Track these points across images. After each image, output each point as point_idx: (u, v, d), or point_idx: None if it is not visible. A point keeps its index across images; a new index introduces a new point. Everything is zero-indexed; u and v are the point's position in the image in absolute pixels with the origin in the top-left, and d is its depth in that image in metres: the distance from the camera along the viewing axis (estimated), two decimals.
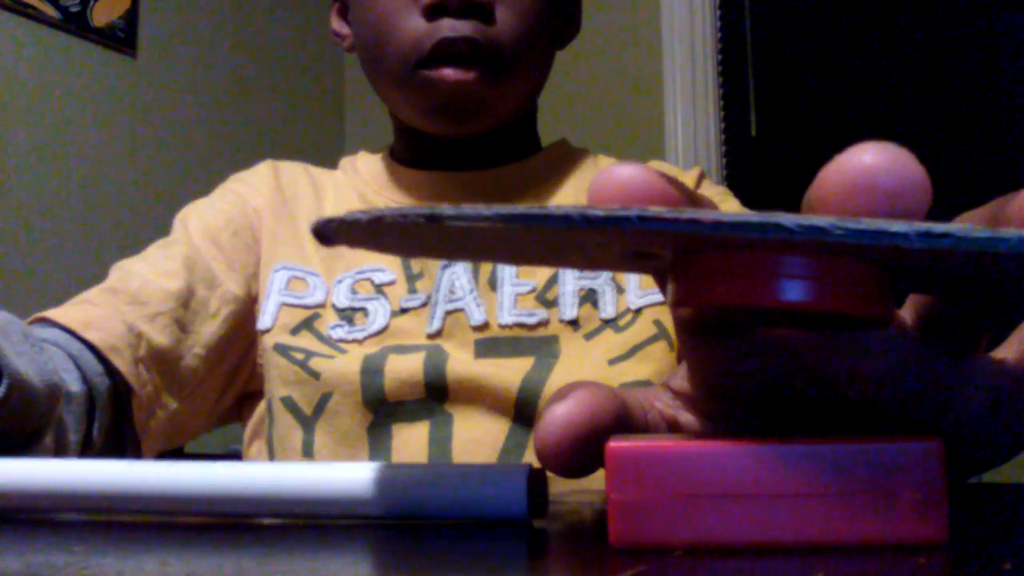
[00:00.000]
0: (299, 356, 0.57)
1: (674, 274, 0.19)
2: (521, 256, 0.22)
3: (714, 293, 0.18)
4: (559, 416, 0.24)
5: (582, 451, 0.23)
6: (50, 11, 1.88)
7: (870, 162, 0.17)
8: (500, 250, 0.21)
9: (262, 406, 0.60)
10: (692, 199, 0.19)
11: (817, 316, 0.19)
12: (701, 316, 0.21)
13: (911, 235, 0.16)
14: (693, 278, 0.19)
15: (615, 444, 0.18)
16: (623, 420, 0.25)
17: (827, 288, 0.18)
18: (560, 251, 0.21)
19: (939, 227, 0.16)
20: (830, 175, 0.18)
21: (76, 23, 1.93)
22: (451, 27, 0.57)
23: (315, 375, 0.56)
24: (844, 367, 0.23)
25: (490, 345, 0.58)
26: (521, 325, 0.58)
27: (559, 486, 0.31)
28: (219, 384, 0.61)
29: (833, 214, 0.17)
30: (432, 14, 0.58)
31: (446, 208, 0.17)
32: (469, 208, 0.17)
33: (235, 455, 1.42)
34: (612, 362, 0.57)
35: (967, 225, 0.16)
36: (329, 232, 0.20)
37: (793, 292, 0.18)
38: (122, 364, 0.54)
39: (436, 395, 0.55)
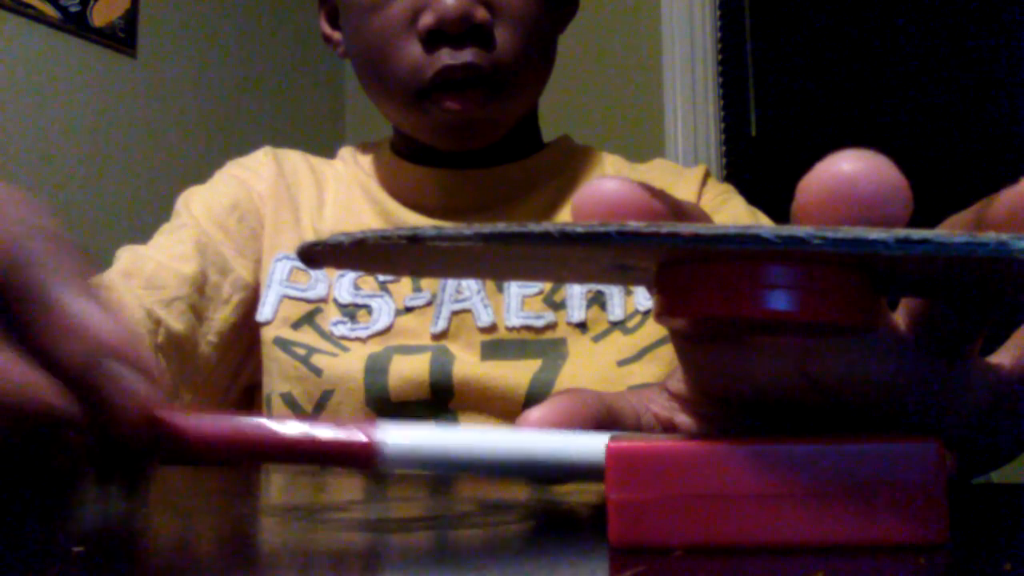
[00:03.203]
0: (300, 352, 0.57)
1: (658, 286, 0.19)
2: (507, 272, 0.22)
3: (696, 305, 0.18)
4: (532, 422, 0.24)
5: None
6: (50, 11, 1.88)
7: (849, 170, 0.17)
8: (485, 267, 0.22)
9: (260, 400, 0.60)
10: (677, 210, 0.19)
11: (802, 324, 0.19)
12: (690, 325, 0.21)
13: (890, 242, 0.16)
14: (676, 290, 0.19)
15: (615, 444, 0.18)
16: (607, 425, 0.25)
17: (809, 297, 0.18)
18: (545, 266, 0.21)
19: (917, 233, 0.16)
20: (810, 184, 0.18)
21: (76, 23, 1.93)
22: (451, 55, 0.56)
23: (316, 372, 0.56)
24: (838, 371, 0.23)
25: (497, 347, 0.57)
26: (528, 327, 0.57)
27: (558, 486, 0.31)
28: (228, 375, 0.60)
29: (814, 223, 0.17)
30: (430, 41, 0.56)
31: (427, 229, 0.17)
32: (450, 228, 0.17)
33: None
34: (621, 363, 0.56)
35: (946, 231, 0.16)
36: (314, 255, 0.20)
37: (775, 302, 0.18)
38: None
39: (441, 396, 0.55)
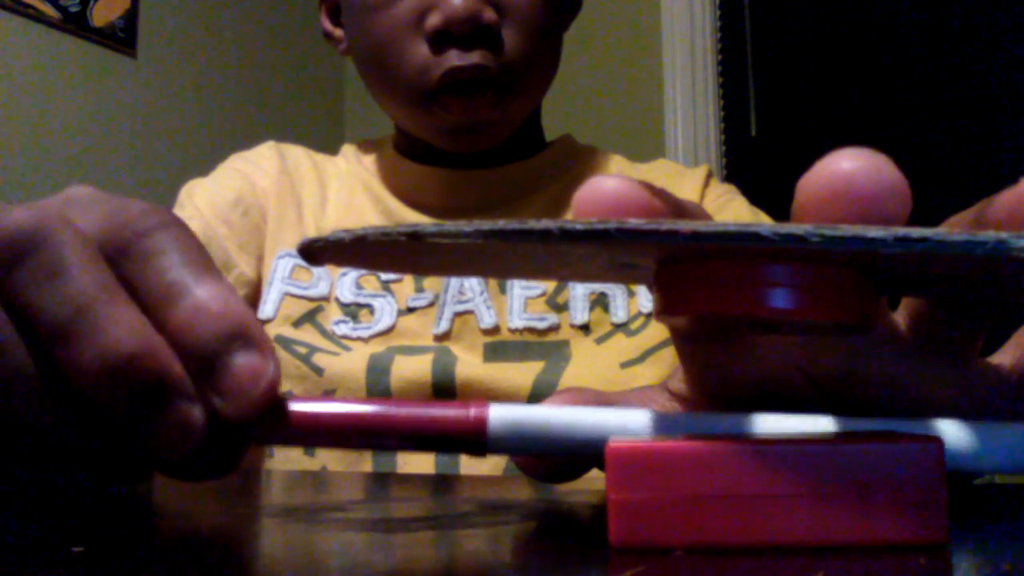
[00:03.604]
0: (302, 351, 0.57)
1: (658, 284, 0.19)
2: (507, 270, 0.22)
3: (696, 303, 0.18)
4: None
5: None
6: (50, 11, 1.88)
7: (848, 168, 0.17)
8: (486, 265, 0.22)
9: None
10: (677, 209, 0.19)
11: (801, 323, 0.19)
12: (690, 323, 0.21)
13: (889, 240, 0.16)
14: (676, 288, 0.19)
15: (615, 444, 0.18)
16: None
17: (808, 296, 0.18)
18: (545, 264, 0.21)
19: (916, 232, 0.16)
20: (809, 183, 0.18)
21: (76, 23, 1.93)
22: (458, 57, 0.55)
23: (318, 371, 0.55)
24: (838, 370, 0.23)
25: (499, 349, 0.57)
26: (531, 329, 0.57)
27: (559, 486, 0.31)
28: None
29: (813, 221, 0.17)
30: (437, 42, 0.56)
31: (428, 226, 0.17)
32: (451, 225, 0.17)
33: None
34: (624, 365, 0.56)
35: (945, 229, 0.16)
36: (315, 252, 0.20)
37: (774, 300, 0.18)
38: None
39: (443, 397, 0.55)
